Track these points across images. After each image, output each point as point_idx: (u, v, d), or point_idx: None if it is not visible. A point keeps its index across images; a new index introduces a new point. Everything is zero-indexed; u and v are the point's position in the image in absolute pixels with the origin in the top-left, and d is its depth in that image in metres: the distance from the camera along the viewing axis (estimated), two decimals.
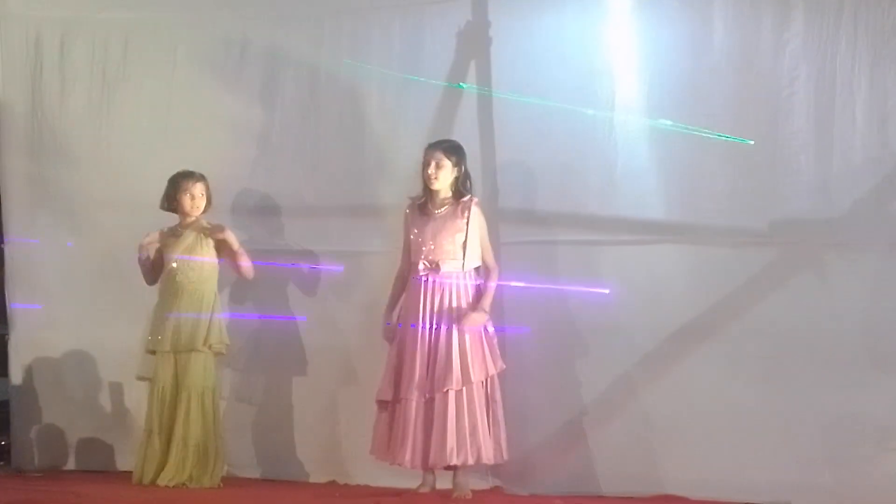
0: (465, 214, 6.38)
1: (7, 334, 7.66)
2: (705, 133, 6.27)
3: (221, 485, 6.76)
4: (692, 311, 6.42)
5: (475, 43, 6.78)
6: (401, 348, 6.42)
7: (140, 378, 7.02)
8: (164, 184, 6.98)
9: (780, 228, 6.32)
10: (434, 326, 6.33)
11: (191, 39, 7.37)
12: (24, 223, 7.61)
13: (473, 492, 6.46)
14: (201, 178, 6.89)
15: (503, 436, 6.35)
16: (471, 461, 6.26)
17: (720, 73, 6.41)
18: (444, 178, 6.40)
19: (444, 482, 6.43)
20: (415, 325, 6.34)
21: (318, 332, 7.08)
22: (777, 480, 6.24)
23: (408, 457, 6.25)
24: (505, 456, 6.36)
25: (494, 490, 6.61)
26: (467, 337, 6.30)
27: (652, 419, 6.48)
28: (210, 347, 6.79)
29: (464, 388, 6.25)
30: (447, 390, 6.23)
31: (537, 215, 6.68)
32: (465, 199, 6.42)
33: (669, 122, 6.36)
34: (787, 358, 6.27)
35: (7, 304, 7.64)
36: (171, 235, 6.91)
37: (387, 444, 6.37)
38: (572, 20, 6.63)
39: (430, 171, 6.38)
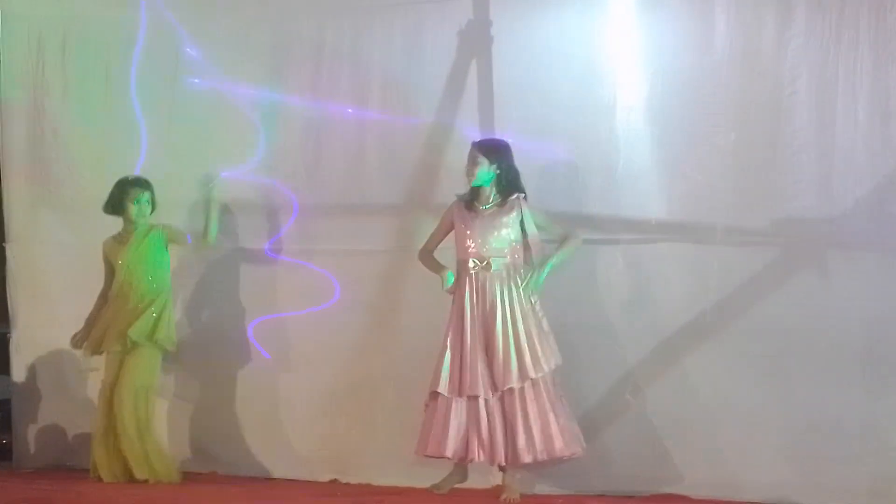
0: (513, 212, 6.39)
1: (8, 333, 7.67)
2: None
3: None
4: (694, 310, 6.41)
5: (476, 42, 6.77)
6: (454, 344, 6.37)
7: (91, 369, 7.12)
8: (165, 183, 7.05)
9: (782, 228, 6.31)
10: (486, 323, 6.32)
11: (194, 39, 7.36)
12: (26, 222, 7.62)
13: (472, 491, 6.49)
14: (148, 185, 6.99)
15: (575, 427, 6.32)
16: (542, 457, 6.25)
17: (722, 72, 6.39)
18: (480, 175, 6.40)
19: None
20: (465, 323, 6.33)
21: (316, 331, 7.08)
22: (778, 479, 6.25)
23: (478, 452, 6.24)
24: (582, 447, 6.31)
25: (496, 489, 6.60)
26: (523, 333, 6.29)
27: (653, 418, 6.47)
28: (156, 343, 6.89)
29: (526, 385, 6.26)
30: (510, 388, 6.24)
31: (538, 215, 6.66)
32: (513, 197, 6.41)
33: None
34: (789, 357, 6.27)
35: (9, 302, 7.65)
36: (118, 242, 7.01)
37: (440, 440, 6.30)
38: (574, 19, 6.62)
39: (467, 168, 6.42)
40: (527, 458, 6.23)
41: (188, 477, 7.05)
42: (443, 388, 6.31)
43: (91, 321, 7.07)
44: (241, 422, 7.24)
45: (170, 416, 7.35)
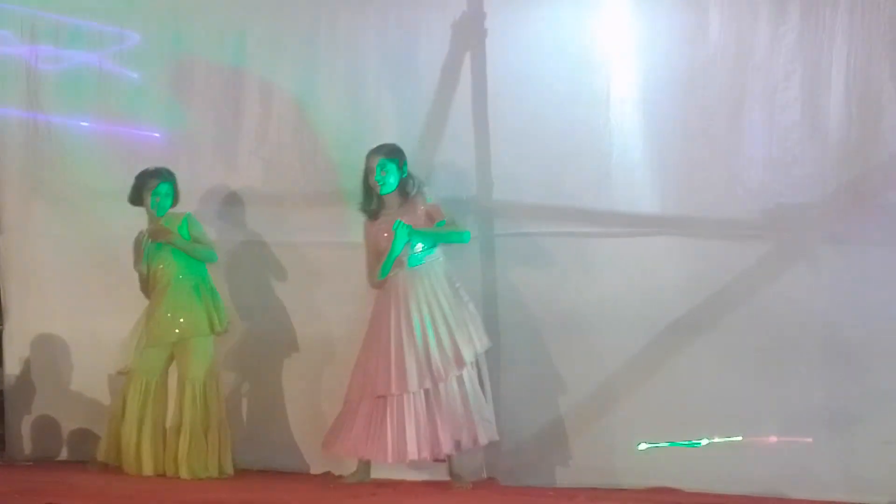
0: (417, 207, 6.48)
1: (2, 325, 7.65)
2: None
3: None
4: (686, 303, 6.43)
5: (470, 34, 6.77)
6: (379, 345, 6.45)
7: (121, 373, 7.03)
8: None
9: (775, 221, 6.32)
10: (410, 321, 6.38)
11: (187, 32, 7.35)
12: (19, 214, 7.61)
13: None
14: (167, 176, 6.90)
15: (491, 415, 6.41)
16: (469, 446, 6.33)
17: (715, 66, 6.41)
18: (391, 182, 6.49)
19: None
20: (389, 323, 6.43)
21: (309, 323, 7.08)
22: (771, 472, 6.25)
23: (414, 449, 6.29)
24: (496, 436, 6.40)
25: (488, 482, 6.61)
26: (448, 324, 6.36)
27: (646, 412, 6.47)
28: (213, 330, 6.83)
29: (453, 375, 6.32)
30: (438, 380, 6.30)
31: (532, 208, 6.68)
32: (413, 193, 6.50)
33: None
34: (782, 350, 6.28)
35: (1, 294, 7.64)
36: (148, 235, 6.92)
37: (365, 440, 6.40)
38: (568, 12, 6.62)
39: (374, 179, 6.47)
40: (448, 448, 6.30)
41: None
42: (356, 389, 6.45)
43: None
44: (234, 414, 7.23)
45: None
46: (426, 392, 6.36)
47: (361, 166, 6.70)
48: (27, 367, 7.62)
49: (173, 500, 6.24)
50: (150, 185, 6.85)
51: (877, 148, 6.20)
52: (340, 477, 6.72)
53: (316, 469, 7.01)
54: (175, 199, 6.93)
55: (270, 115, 7.23)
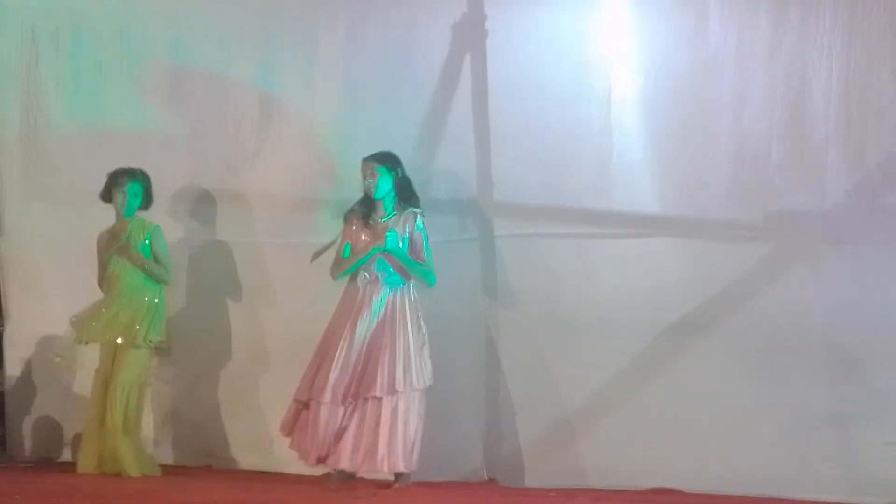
0: (407, 226, 6.48)
1: (2, 326, 7.65)
2: None
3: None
4: (686, 304, 6.44)
5: (470, 35, 6.77)
6: (328, 352, 6.48)
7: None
8: (160, 177, 7.02)
9: (775, 222, 6.33)
10: (368, 333, 6.42)
11: (188, 31, 7.35)
12: (20, 216, 7.60)
13: (466, 484, 6.54)
14: (139, 177, 6.95)
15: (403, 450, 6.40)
16: (402, 469, 6.39)
17: (716, 67, 6.41)
18: (381, 187, 6.50)
19: None
20: (343, 332, 6.46)
21: (299, 324, 7.09)
22: (771, 473, 6.27)
23: (348, 458, 6.35)
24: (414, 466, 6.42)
25: (489, 483, 6.62)
26: (400, 346, 6.38)
27: (646, 413, 6.48)
28: (147, 342, 6.88)
29: (396, 396, 6.34)
30: (373, 396, 6.34)
31: (532, 209, 6.68)
32: (408, 211, 6.50)
33: None
34: (782, 351, 6.29)
35: (2, 296, 7.64)
36: (109, 234, 7.00)
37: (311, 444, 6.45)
38: (568, 13, 6.63)
39: (367, 183, 6.49)
40: (385, 467, 6.36)
41: (183, 472, 7.07)
42: (302, 394, 6.48)
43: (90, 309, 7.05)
44: (231, 415, 7.24)
45: (160, 410, 7.35)
46: (354, 406, 6.38)
47: (359, 168, 6.71)
48: (28, 368, 7.62)
49: (175, 500, 6.25)
50: (121, 184, 6.92)
51: (877, 148, 6.20)
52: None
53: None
54: (145, 201, 6.99)
55: (270, 117, 7.22)
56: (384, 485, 6.45)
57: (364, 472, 6.46)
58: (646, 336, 6.50)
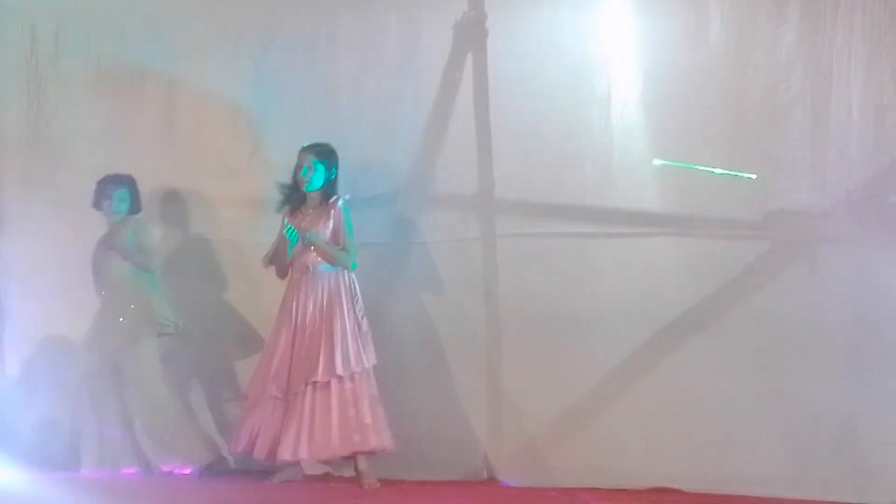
0: (335, 215, 6.54)
1: (2, 326, 7.64)
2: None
3: None
4: (686, 302, 6.45)
5: (472, 35, 6.78)
6: (277, 347, 6.54)
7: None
8: (159, 178, 7.04)
9: (775, 221, 6.34)
10: (304, 323, 6.48)
11: (187, 32, 7.35)
12: (19, 215, 7.59)
13: (467, 484, 6.51)
14: (126, 183, 7.02)
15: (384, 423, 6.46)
16: (360, 449, 6.42)
17: (716, 66, 6.44)
18: (316, 181, 6.56)
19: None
20: (283, 326, 6.54)
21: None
22: (770, 472, 6.27)
23: (305, 449, 6.39)
24: (391, 445, 6.45)
25: (489, 482, 6.61)
26: (338, 331, 6.44)
27: (646, 412, 6.49)
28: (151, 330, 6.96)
29: (342, 380, 6.40)
30: (317, 381, 6.39)
31: (533, 208, 6.69)
32: (333, 199, 6.57)
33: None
34: (781, 350, 6.30)
35: (1, 297, 7.63)
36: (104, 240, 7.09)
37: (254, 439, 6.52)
38: (569, 13, 6.65)
39: (301, 175, 6.55)
40: (341, 451, 6.41)
41: None
42: (254, 388, 6.57)
43: None
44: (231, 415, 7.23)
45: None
46: (304, 395, 6.42)
47: (362, 168, 6.72)
48: (27, 368, 7.60)
49: (178, 498, 6.25)
50: (108, 191, 7.01)
51: (877, 148, 6.22)
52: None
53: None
54: (133, 205, 7.05)
55: (270, 117, 7.23)
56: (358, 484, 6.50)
57: (325, 458, 6.53)
58: (646, 335, 6.50)
